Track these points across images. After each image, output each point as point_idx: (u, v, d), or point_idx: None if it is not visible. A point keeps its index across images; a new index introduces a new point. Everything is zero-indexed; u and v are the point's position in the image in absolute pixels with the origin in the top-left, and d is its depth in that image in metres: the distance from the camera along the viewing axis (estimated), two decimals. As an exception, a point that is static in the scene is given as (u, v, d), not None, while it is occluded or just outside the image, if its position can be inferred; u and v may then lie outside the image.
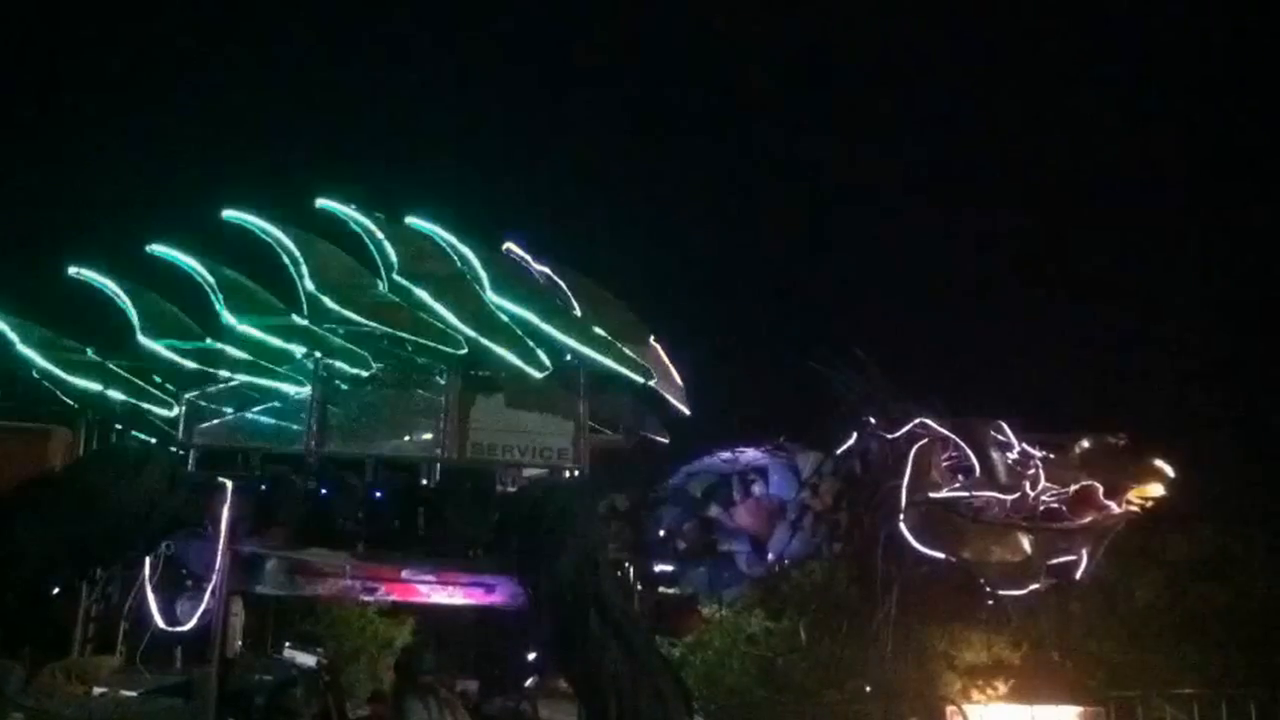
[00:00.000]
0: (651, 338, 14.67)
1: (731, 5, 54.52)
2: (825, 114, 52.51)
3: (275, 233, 13.66)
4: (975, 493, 13.41)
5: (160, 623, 12.10)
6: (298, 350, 13.41)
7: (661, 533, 14.44)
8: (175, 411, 13.27)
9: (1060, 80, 49.71)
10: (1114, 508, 13.72)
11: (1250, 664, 18.37)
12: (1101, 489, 13.63)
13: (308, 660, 13.83)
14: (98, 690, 11.66)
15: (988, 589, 13.68)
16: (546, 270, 14.81)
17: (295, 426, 13.45)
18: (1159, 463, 14.01)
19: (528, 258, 14.79)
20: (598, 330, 14.12)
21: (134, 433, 13.64)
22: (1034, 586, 13.54)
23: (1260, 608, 19.10)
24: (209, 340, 13.26)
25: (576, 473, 13.82)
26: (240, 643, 13.27)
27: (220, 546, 12.30)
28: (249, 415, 13.53)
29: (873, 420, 13.90)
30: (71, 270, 13.25)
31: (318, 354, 13.46)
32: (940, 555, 13.19)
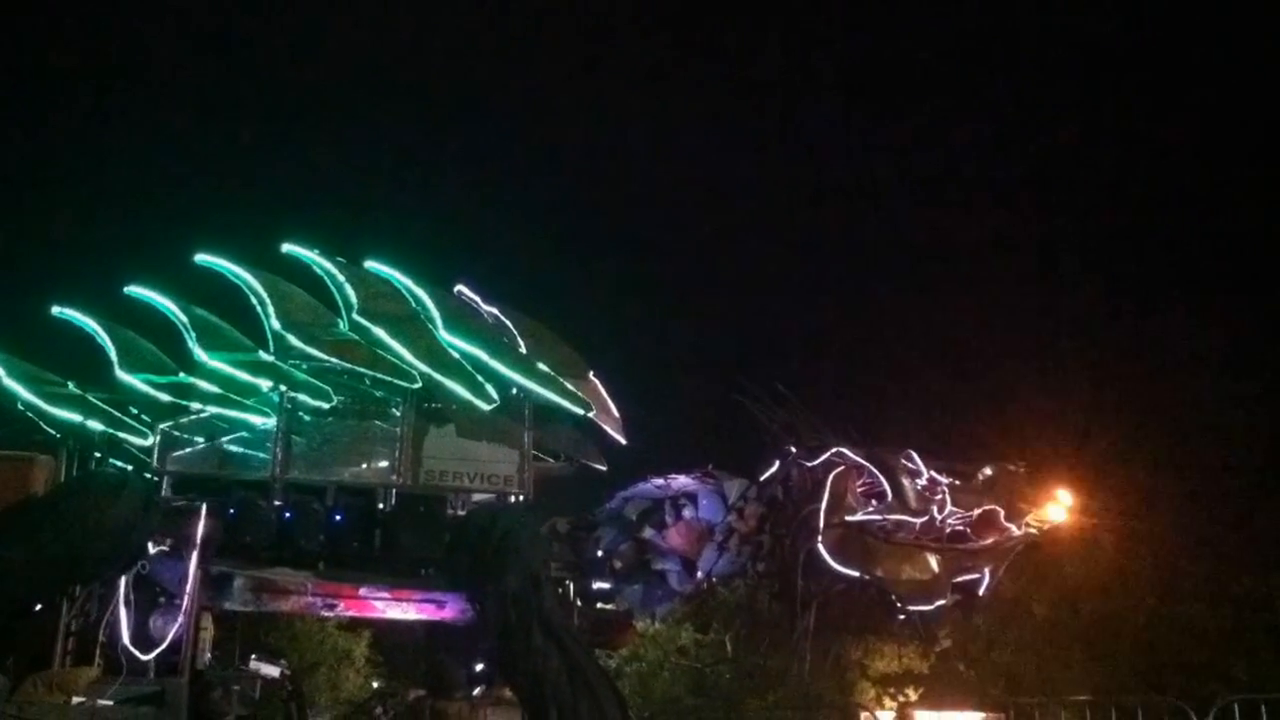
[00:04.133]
0: (591, 373, 15.43)
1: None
2: (751, 144, 53.12)
3: (244, 275, 14.34)
4: (887, 516, 14.26)
5: (131, 648, 12.61)
6: (264, 384, 14.06)
7: (599, 553, 15.23)
8: (150, 440, 13.89)
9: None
10: (1015, 530, 14.63)
11: (1138, 672, 19.10)
12: (1003, 513, 14.53)
13: (272, 671, 14.35)
14: (76, 699, 12.17)
15: (899, 604, 14.41)
16: (495, 311, 15.55)
17: (262, 455, 14.09)
18: (1056, 489, 14.90)
19: (477, 299, 15.57)
20: (541, 366, 14.86)
21: (112, 460, 14.16)
22: (941, 602, 14.41)
23: (1147, 621, 19.92)
24: (182, 375, 13.86)
25: (521, 497, 14.48)
26: (209, 655, 13.87)
27: (191, 566, 12.97)
28: (219, 444, 14.16)
29: (793, 449, 14.66)
30: (55, 310, 13.83)
31: (283, 387, 14.12)
32: (855, 573, 13.98)
